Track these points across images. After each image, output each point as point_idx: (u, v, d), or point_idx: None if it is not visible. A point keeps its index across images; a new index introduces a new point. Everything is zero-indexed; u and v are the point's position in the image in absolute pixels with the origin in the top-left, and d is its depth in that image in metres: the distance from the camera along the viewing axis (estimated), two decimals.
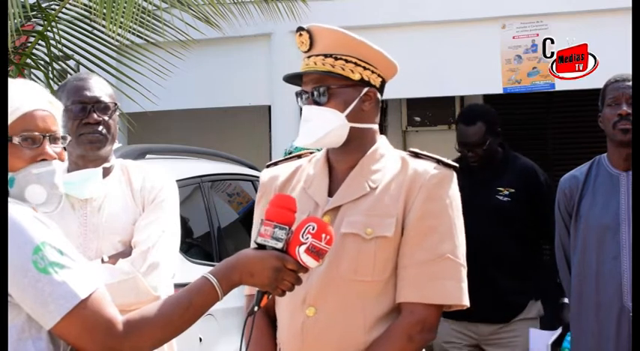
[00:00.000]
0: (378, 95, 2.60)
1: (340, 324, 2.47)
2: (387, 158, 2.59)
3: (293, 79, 2.63)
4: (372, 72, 2.57)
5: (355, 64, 2.55)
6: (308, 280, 2.47)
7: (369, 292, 2.48)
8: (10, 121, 2.06)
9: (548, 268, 4.61)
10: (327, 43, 2.55)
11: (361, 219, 2.50)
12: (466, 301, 2.52)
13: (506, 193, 4.56)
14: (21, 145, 2.06)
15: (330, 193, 2.57)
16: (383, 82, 2.62)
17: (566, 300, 4.55)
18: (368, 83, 2.57)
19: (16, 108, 2.07)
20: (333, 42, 2.55)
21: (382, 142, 2.63)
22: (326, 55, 2.55)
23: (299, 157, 2.75)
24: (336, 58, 2.54)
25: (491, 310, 4.57)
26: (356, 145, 2.57)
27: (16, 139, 2.06)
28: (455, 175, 2.56)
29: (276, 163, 2.76)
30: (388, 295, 2.49)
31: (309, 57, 2.58)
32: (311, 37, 2.56)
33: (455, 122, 4.78)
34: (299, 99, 2.61)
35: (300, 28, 2.58)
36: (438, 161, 2.56)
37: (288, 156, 2.77)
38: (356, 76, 2.55)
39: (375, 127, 2.63)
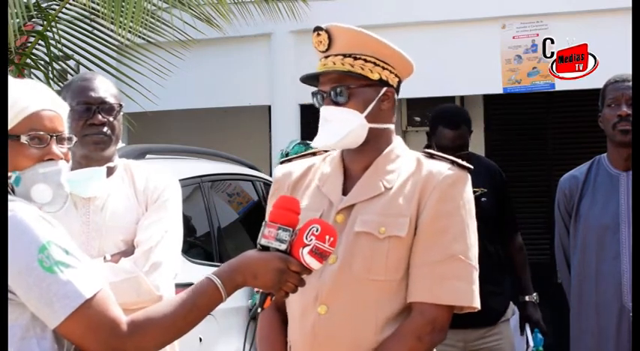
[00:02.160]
0: (395, 95, 2.59)
1: (352, 323, 2.46)
2: (402, 159, 2.57)
3: (309, 79, 2.60)
4: (390, 72, 2.55)
5: (374, 63, 2.53)
6: (320, 278, 2.47)
7: (381, 292, 2.47)
8: (18, 120, 2.06)
9: (505, 267, 4.61)
10: (345, 43, 2.52)
11: (375, 218, 2.48)
12: (477, 304, 2.51)
13: (480, 193, 4.51)
14: (29, 144, 2.06)
15: (345, 192, 2.56)
16: (399, 82, 2.60)
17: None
18: (386, 83, 2.55)
19: (24, 107, 2.06)
20: (351, 41, 2.52)
21: (398, 143, 2.61)
22: (345, 55, 2.52)
23: (313, 154, 2.72)
24: (355, 58, 2.51)
25: (478, 314, 4.51)
26: (372, 145, 2.56)
27: (24, 138, 2.05)
28: (469, 176, 2.55)
29: (290, 160, 2.72)
30: (400, 296, 2.48)
31: (326, 57, 2.55)
32: (329, 37, 2.52)
33: (431, 125, 4.57)
34: (315, 99, 2.59)
35: (318, 28, 2.54)
36: (453, 162, 2.54)
37: (302, 153, 2.75)
38: (375, 76, 2.53)
39: (392, 127, 2.61)
